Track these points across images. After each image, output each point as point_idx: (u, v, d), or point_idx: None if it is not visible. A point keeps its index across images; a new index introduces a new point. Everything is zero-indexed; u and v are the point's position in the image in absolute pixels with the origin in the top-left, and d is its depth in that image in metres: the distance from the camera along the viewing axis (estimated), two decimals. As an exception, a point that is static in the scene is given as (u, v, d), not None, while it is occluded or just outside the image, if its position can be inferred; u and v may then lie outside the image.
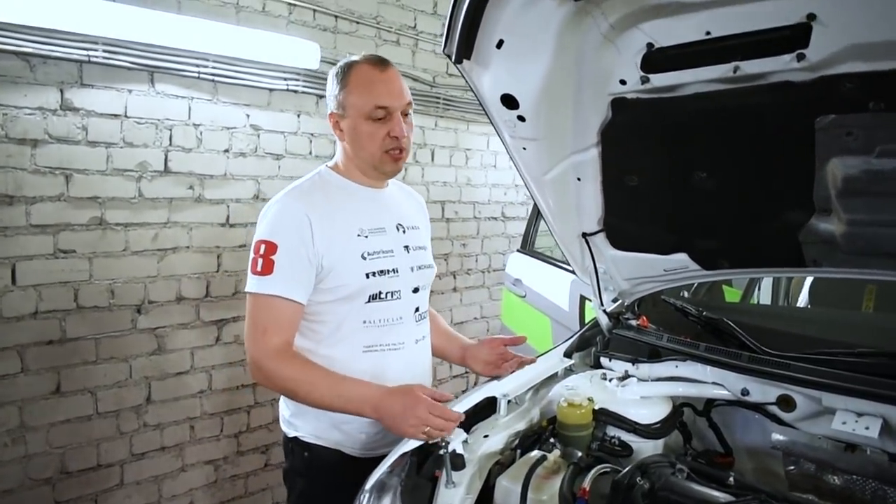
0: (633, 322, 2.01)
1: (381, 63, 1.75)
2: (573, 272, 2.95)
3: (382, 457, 1.73)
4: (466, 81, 1.53)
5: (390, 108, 1.71)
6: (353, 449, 1.75)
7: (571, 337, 2.07)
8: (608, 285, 1.99)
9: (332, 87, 1.75)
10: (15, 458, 2.65)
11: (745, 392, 1.65)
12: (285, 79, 3.35)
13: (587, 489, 1.35)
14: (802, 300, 2.75)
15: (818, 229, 1.45)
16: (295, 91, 3.41)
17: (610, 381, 1.80)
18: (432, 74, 4.16)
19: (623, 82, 1.39)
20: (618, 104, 1.44)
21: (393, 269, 1.74)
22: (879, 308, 2.51)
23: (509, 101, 1.49)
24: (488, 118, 1.62)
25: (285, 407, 1.82)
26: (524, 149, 1.62)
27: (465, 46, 1.39)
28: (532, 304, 3.21)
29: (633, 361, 1.86)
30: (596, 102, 1.46)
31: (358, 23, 3.70)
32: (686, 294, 2.34)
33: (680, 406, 1.77)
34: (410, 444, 1.53)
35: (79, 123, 2.72)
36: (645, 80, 1.36)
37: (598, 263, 1.91)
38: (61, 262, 2.73)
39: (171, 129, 3.00)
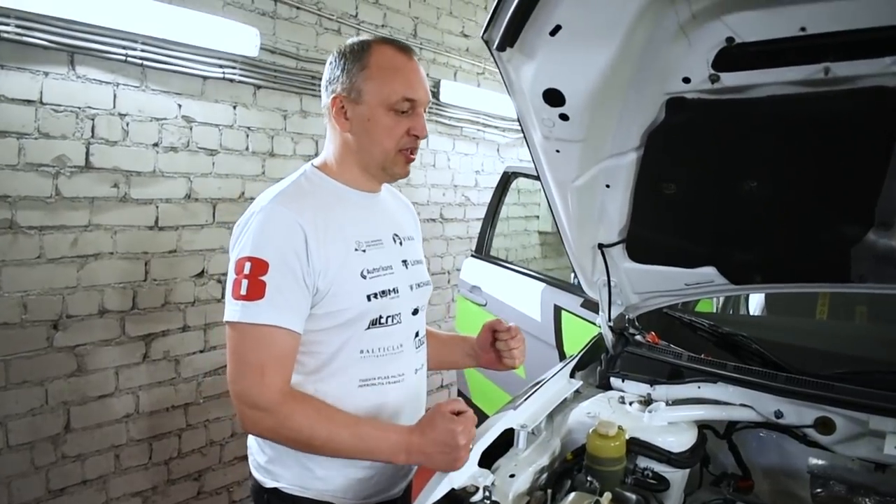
0: (640, 338, 1.89)
1: (407, 49, 1.50)
2: (548, 282, 2.87)
3: None
4: (500, 73, 1.34)
5: (416, 102, 1.47)
6: (345, 499, 1.50)
7: (574, 357, 1.92)
8: (617, 299, 1.86)
9: (341, 66, 1.47)
10: None
11: (778, 414, 1.56)
12: (221, 66, 3.03)
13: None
14: (757, 308, 2.75)
15: (875, 244, 1.37)
16: (231, 80, 3.09)
17: (630, 404, 1.67)
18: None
19: (686, 80, 1.24)
20: (674, 105, 1.30)
21: (393, 289, 1.51)
22: (832, 316, 2.54)
23: (554, 98, 1.31)
24: (517, 115, 1.44)
25: (259, 451, 1.54)
26: (557, 151, 1.45)
27: (512, 31, 1.21)
28: (495, 313, 3.05)
29: (651, 383, 1.73)
30: (648, 102, 1.32)
31: (298, 8, 3.41)
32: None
33: (702, 430, 1.66)
34: (435, 494, 1.33)
35: (-16, 109, 2.32)
36: (714, 79, 1.22)
37: (610, 277, 1.77)
38: (-37, 271, 2.32)
39: (93, 119, 2.62)
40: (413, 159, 1.52)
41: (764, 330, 2.11)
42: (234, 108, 3.16)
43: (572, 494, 1.37)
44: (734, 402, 1.63)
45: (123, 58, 2.66)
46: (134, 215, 2.79)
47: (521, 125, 1.47)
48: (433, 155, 4.47)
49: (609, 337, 1.89)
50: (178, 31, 2.80)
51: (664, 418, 1.59)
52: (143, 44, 2.72)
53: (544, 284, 2.77)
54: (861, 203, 1.33)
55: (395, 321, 1.52)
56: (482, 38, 1.27)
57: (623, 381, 1.79)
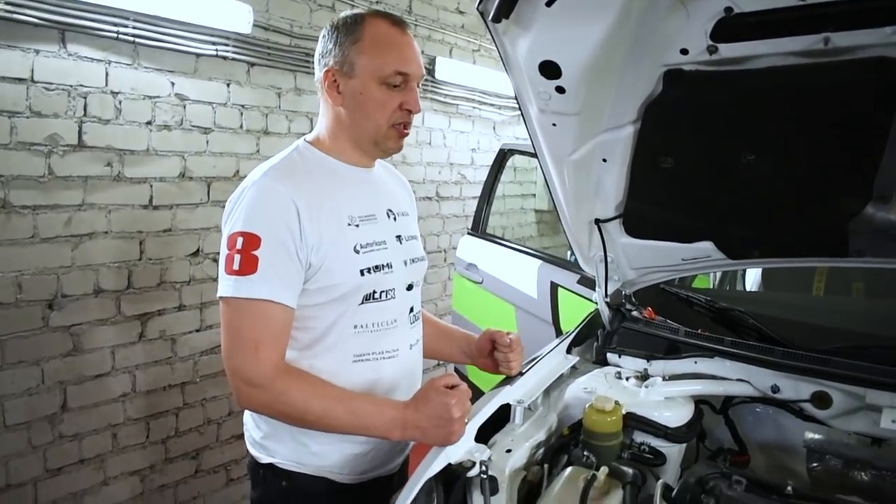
0: (637, 314, 1.89)
1: (401, 23, 1.48)
2: (545, 259, 2.86)
3: (375, 481, 1.54)
4: (496, 46, 1.32)
5: (409, 76, 1.46)
6: (341, 475, 1.50)
7: (571, 332, 1.91)
8: (613, 275, 1.85)
9: (334, 39, 1.46)
10: None
11: (775, 389, 1.56)
12: (214, 43, 2.99)
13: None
14: (753, 284, 2.75)
15: (873, 217, 1.36)
16: (224, 57, 3.05)
17: (627, 380, 1.67)
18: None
19: (684, 52, 1.23)
20: (671, 77, 1.28)
21: (387, 264, 1.50)
22: (830, 292, 2.54)
23: (550, 70, 1.29)
24: (514, 89, 1.42)
25: (255, 427, 1.55)
26: (554, 125, 1.43)
27: (508, 2, 1.19)
28: (491, 290, 3.05)
29: (648, 358, 1.73)
30: (645, 74, 1.30)
31: (292, -16, 3.36)
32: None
33: (699, 405, 1.66)
34: (431, 469, 1.33)
35: (-26, 87, 2.29)
36: (713, 50, 1.20)
37: (607, 252, 1.77)
38: (-45, 251, 2.30)
39: (85, 98, 2.59)
40: (406, 134, 1.51)
41: (760, 305, 2.11)
42: (228, 85, 3.12)
43: (569, 469, 1.38)
44: (731, 377, 1.63)
45: (115, 35, 2.62)
46: (128, 194, 2.77)
47: (517, 100, 1.45)
48: (429, 133, 4.44)
49: (606, 313, 1.89)
50: (170, 8, 2.76)
51: (660, 393, 1.60)
52: (136, 21, 2.68)
53: (540, 262, 2.76)
54: (860, 176, 1.32)
55: (389, 296, 1.51)
56: (477, 9, 1.25)
57: (619, 356, 1.79)
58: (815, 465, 1.61)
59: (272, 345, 1.36)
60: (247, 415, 1.57)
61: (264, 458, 1.52)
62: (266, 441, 1.52)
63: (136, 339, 2.87)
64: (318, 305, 1.44)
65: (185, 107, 2.95)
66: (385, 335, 1.51)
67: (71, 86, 2.54)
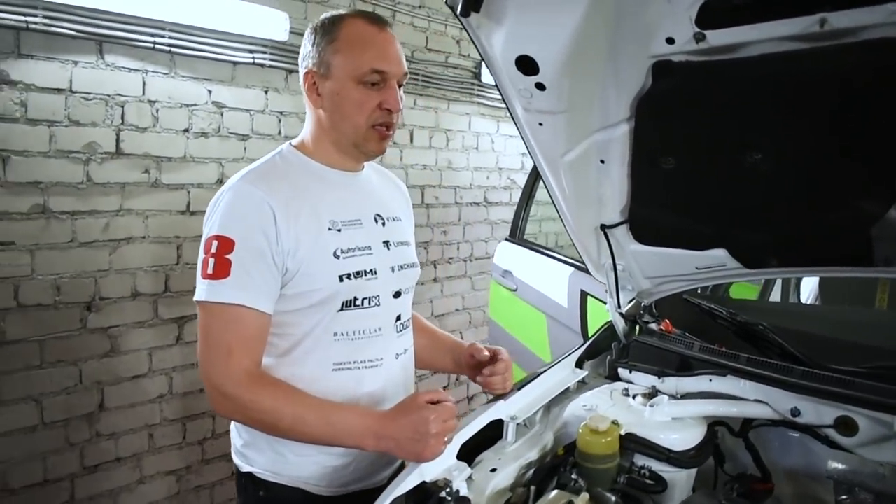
0: (654, 326, 1.76)
1: (379, 20, 1.45)
2: (577, 266, 2.74)
3: (353, 495, 1.48)
4: (473, 42, 1.25)
5: (387, 74, 1.41)
6: (318, 486, 1.46)
7: (583, 344, 1.80)
8: (626, 284, 1.74)
9: (312, 41, 1.44)
10: (-54, 476, 2.33)
11: (795, 412, 1.41)
12: (251, 51, 3.03)
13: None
14: (810, 296, 2.54)
15: (897, 222, 1.20)
16: (262, 65, 3.09)
17: (634, 398, 1.55)
18: (411, 49, 3.85)
19: (670, 41, 1.12)
20: (660, 69, 1.17)
21: (370, 270, 1.45)
22: (893, 304, 2.31)
23: (527, 65, 1.21)
24: (497, 88, 1.34)
25: (237, 435, 1.52)
26: (540, 125, 1.35)
27: (475, -6, 1.11)
28: (524, 298, 2.95)
29: (660, 374, 1.61)
30: (633, 67, 1.20)
31: (330, -10, 3.37)
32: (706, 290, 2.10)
33: (714, 426, 1.53)
34: (403, 486, 1.26)
35: (16, 98, 2.38)
36: (700, 38, 1.09)
37: (617, 260, 1.65)
38: (-3, 255, 2.40)
39: (123, 106, 2.66)
40: (388, 135, 1.46)
41: (807, 321, 1.93)
42: (266, 92, 3.16)
43: (553, 493, 1.28)
44: (748, 397, 1.49)
45: (152, 45, 2.69)
46: (165, 200, 2.83)
47: (503, 99, 1.37)
48: (476, 137, 4.38)
49: (620, 324, 1.77)
50: (205, 17, 2.81)
51: (667, 413, 1.47)
52: (171, 31, 2.74)
53: (572, 269, 2.64)
54: (878, 176, 1.17)
55: (372, 303, 1.46)
56: (447, 3, 1.18)
57: (630, 372, 1.68)
58: (843, 497, 1.44)
59: (245, 351, 1.33)
60: (231, 422, 1.55)
61: (244, 467, 1.50)
62: (245, 449, 1.50)
63: (173, 342, 2.92)
64: (295, 311, 1.41)
65: (222, 114, 3.00)
66: (368, 344, 1.46)
67: (108, 95, 2.62)
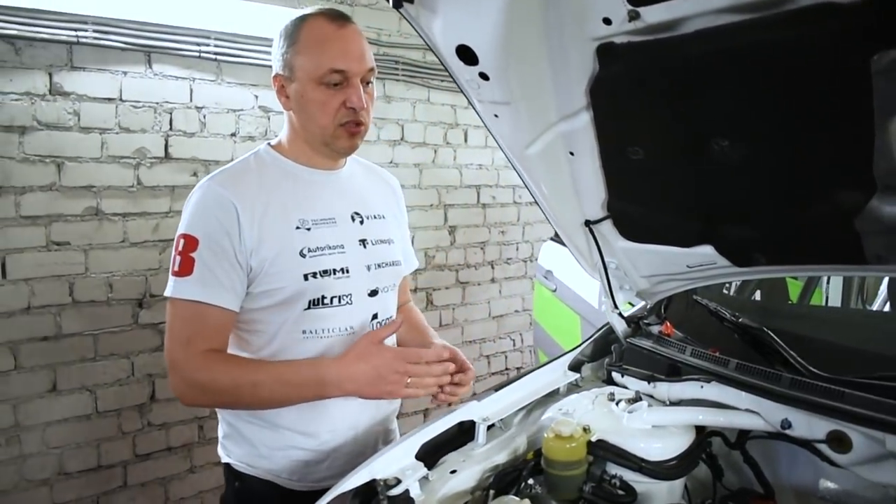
0: (656, 328, 1.66)
1: (339, 18, 1.45)
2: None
3: (325, 490, 1.47)
4: (417, 32, 1.22)
5: (348, 73, 1.41)
6: (289, 480, 1.48)
7: (577, 347, 1.72)
8: (623, 283, 1.64)
9: (279, 44, 1.46)
10: (9, 458, 2.54)
11: (785, 424, 1.28)
12: (298, 56, 3.10)
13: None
14: (879, 301, 2.30)
15: (882, 214, 1.06)
16: (310, 69, 3.15)
17: (618, 403, 1.46)
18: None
19: (607, 21, 1.04)
20: (605, 52, 1.10)
21: (342, 269, 1.45)
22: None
23: (467, 55, 1.17)
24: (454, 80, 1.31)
25: (220, 425, 1.57)
26: (496, 116, 1.30)
27: (402, -17, 1.09)
28: (562, 299, 2.86)
29: (650, 379, 1.51)
30: (578, 52, 1.12)
31: (379, -8, 3.41)
32: (730, 290, 1.96)
33: (707, 436, 1.42)
34: (352, 482, 1.25)
35: (70, 108, 2.56)
36: (633, 16, 1.01)
37: (606, 258, 1.57)
38: (55, 254, 2.58)
39: (171, 113, 2.81)
40: (357, 132, 1.46)
41: (827, 325, 1.75)
42: (313, 96, 3.22)
43: (499, 498, 1.23)
44: (739, 406, 1.37)
45: (197, 54, 2.82)
46: (214, 202, 2.95)
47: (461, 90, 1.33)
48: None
49: (619, 326, 1.68)
50: (249, 25, 2.91)
51: (646, 421, 1.37)
52: (217, 39, 2.86)
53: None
54: (853, 163, 1.03)
55: (342, 302, 1.46)
56: (382, -7, 1.16)
57: (623, 376, 1.58)
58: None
59: (202, 341, 1.37)
60: (218, 413, 1.60)
61: (224, 458, 1.55)
62: (226, 440, 1.54)
63: (222, 338, 3.04)
64: (262, 309, 1.43)
65: (269, 118, 3.10)
66: (339, 342, 1.46)
67: (157, 103, 2.77)
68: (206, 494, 3.05)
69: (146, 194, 2.77)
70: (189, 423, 2.97)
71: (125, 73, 2.67)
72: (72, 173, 2.59)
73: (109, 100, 2.65)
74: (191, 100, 2.86)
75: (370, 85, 1.46)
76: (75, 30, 2.50)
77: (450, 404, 1.51)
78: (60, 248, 2.59)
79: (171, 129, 2.81)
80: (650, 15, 1.00)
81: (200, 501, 3.04)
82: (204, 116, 2.90)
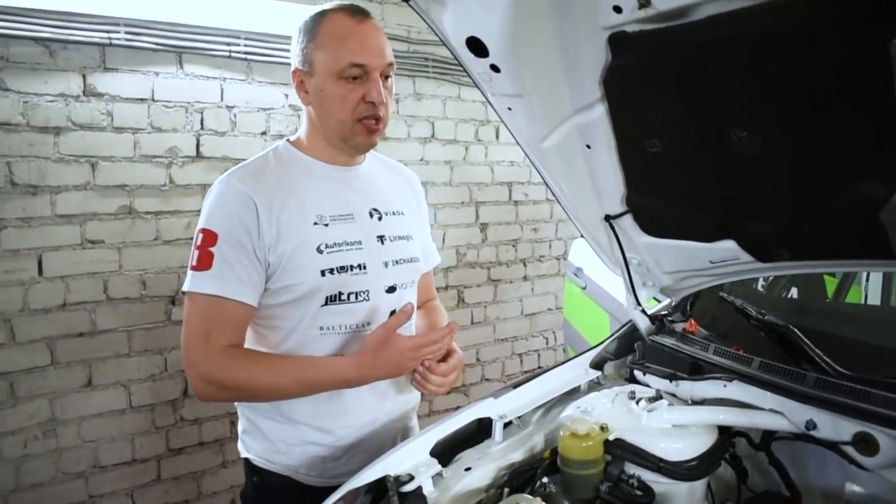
0: (680, 326, 1.62)
1: (358, 13, 1.44)
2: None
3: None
4: (429, 25, 1.21)
5: (367, 67, 1.40)
6: (307, 476, 1.49)
7: (598, 344, 1.69)
8: (646, 279, 1.61)
9: (298, 40, 1.46)
10: (46, 451, 2.60)
11: (810, 425, 1.23)
12: (327, 55, 3.12)
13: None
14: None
15: (908, 206, 1.02)
16: (339, 67, 3.17)
17: (638, 402, 1.43)
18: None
19: (617, 10, 1.02)
20: (616, 42, 1.07)
21: (359, 265, 1.45)
22: None
23: (477, 48, 1.15)
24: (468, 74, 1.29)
25: (240, 420, 1.59)
26: (509, 109, 1.28)
27: (410, -25, 1.08)
28: (592, 296, 2.83)
29: (672, 378, 1.47)
30: (590, 42, 1.10)
31: (410, -10, 3.40)
32: (760, 287, 1.90)
33: (730, 437, 1.38)
34: (365, 478, 1.25)
35: (103, 109, 2.62)
36: (643, 3, 0.98)
37: (628, 253, 1.54)
38: (89, 252, 2.64)
39: (202, 113, 2.85)
40: (376, 128, 1.45)
41: (860, 324, 1.69)
42: (342, 94, 3.24)
43: (512, 496, 1.21)
44: (763, 405, 1.32)
45: (228, 54, 2.85)
46: (244, 200, 2.98)
47: (478, 87, 1.32)
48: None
49: (642, 323, 1.64)
50: (279, 24, 2.93)
51: (666, 420, 1.34)
52: (247, 39, 2.89)
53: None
54: (876, 153, 0.99)
55: (360, 298, 1.46)
56: (391, -14, 1.15)
57: (644, 374, 1.55)
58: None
59: (221, 336, 1.39)
60: (237, 408, 1.61)
61: (243, 452, 1.56)
62: (244, 435, 1.55)
63: (253, 335, 3.07)
64: (281, 305, 1.44)
65: (299, 117, 3.11)
66: (356, 339, 1.46)
67: (188, 102, 2.81)
68: (238, 489, 3.04)
69: (178, 193, 2.82)
70: (221, 418, 3.01)
71: (157, 73, 2.72)
72: (105, 173, 2.64)
73: (142, 100, 2.70)
74: (221, 99, 2.90)
75: (389, 80, 1.45)
76: (108, 32, 2.55)
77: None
78: (95, 247, 2.65)
79: (202, 128, 2.85)
80: (661, 2, 0.98)
81: (232, 496, 3.08)
82: (234, 116, 2.93)
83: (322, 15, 1.43)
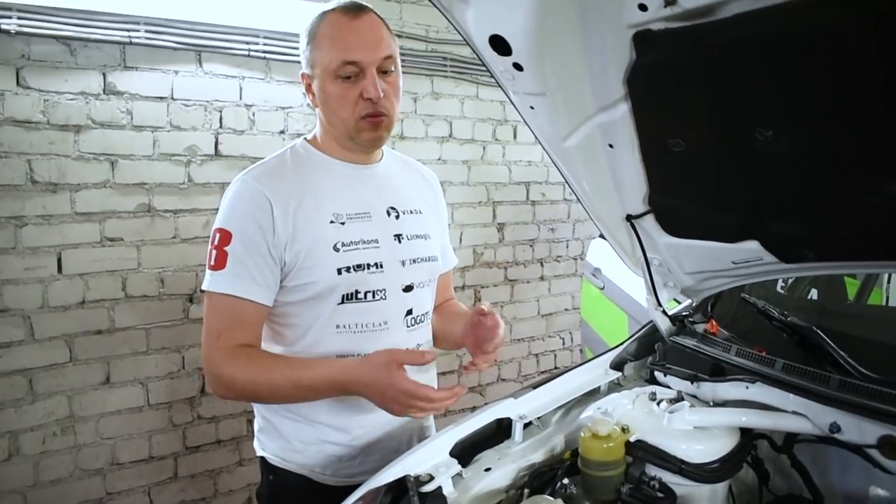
0: (701, 327, 1.61)
1: (353, 9, 1.43)
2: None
3: (359, 485, 1.47)
4: (451, 24, 1.21)
5: (361, 63, 1.39)
6: (323, 475, 1.49)
7: (619, 345, 1.68)
8: (667, 280, 1.60)
9: (302, 43, 1.47)
10: (65, 448, 2.62)
11: (834, 428, 1.22)
12: (345, 53, 3.13)
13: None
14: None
15: (938, 206, 1.00)
16: (356, 66, 3.17)
17: (659, 403, 1.42)
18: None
19: (643, 8, 1.01)
20: (641, 40, 1.06)
21: (375, 264, 1.44)
22: None
23: (500, 46, 1.15)
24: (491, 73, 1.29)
25: (256, 418, 1.59)
26: (532, 108, 1.27)
27: (434, -26, 1.07)
28: (610, 297, 2.81)
29: (693, 379, 1.46)
30: (615, 41, 1.09)
31: (427, -10, 3.40)
32: (782, 288, 1.88)
33: (752, 439, 1.36)
34: (384, 478, 1.25)
35: (123, 107, 2.64)
36: (670, 2, 0.97)
37: (649, 254, 1.53)
38: (108, 250, 2.66)
39: (221, 111, 2.86)
40: (379, 123, 1.44)
41: (883, 326, 1.67)
42: (360, 93, 3.24)
43: (532, 497, 1.20)
44: (786, 408, 1.31)
45: (247, 53, 2.87)
46: (262, 199, 3.00)
47: (499, 86, 1.31)
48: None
49: (663, 324, 1.63)
50: (299, 23, 2.92)
51: (688, 422, 1.33)
52: (266, 38, 2.90)
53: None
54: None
55: (376, 297, 1.45)
56: (414, -16, 1.15)
57: (665, 375, 1.54)
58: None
59: (232, 334, 1.39)
60: (254, 406, 1.62)
61: (259, 451, 1.56)
62: (260, 434, 1.56)
63: (269, 333, 3.09)
64: (297, 303, 1.44)
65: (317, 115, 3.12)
66: (372, 337, 1.46)
67: (207, 101, 2.82)
68: (255, 487, 3.07)
69: (197, 191, 2.83)
70: (238, 416, 3.02)
71: (176, 72, 2.74)
72: (125, 171, 2.66)
73: (161, 98, 2.72)
74: (240, 98, 2.91)
75: (391, 73, 1.44)
76: (128, 30, 2.57)
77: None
78: (114, 244, 2.67)
79: (221, 126, 2.87)
80: (687, 0, 0.97)
81: (249, 494, 3.09)
82: (253, 114, 2.94)
83: (320, 16, 1.44)
